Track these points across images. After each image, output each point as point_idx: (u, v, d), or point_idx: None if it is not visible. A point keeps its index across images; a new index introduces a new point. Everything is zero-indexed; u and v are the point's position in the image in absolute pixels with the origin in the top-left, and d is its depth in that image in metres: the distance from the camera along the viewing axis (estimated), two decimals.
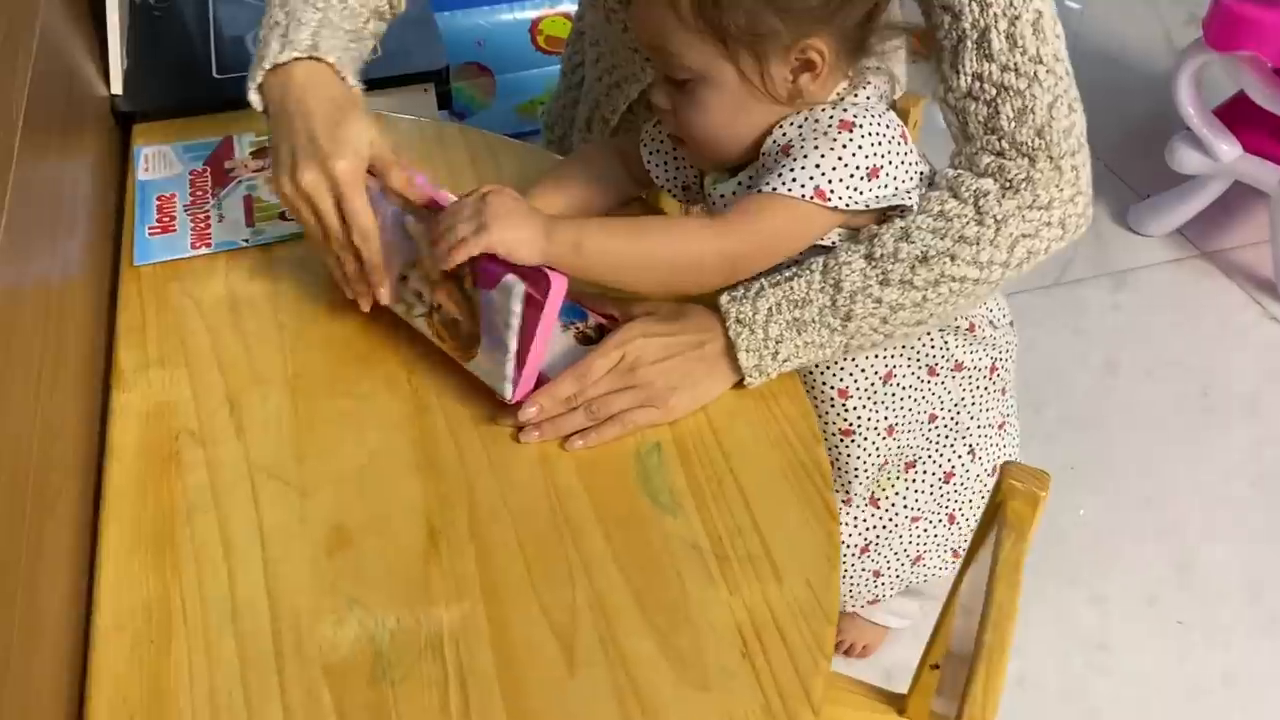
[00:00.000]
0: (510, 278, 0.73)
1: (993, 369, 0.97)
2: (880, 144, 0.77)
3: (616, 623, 0.66)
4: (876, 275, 0.79)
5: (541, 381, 0.77)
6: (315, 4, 0.85)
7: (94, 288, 0.88)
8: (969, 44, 0.80)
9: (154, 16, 1.25)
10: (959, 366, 0.94)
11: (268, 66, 0.82)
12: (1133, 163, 2.20)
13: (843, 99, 0.80)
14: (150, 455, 0.76)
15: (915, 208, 0.82)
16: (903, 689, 0.95)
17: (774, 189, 0.77)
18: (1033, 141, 0.80)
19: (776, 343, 0.79)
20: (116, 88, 1.10)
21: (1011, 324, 0.98)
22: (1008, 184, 0.81)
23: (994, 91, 0.80)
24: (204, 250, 0.93)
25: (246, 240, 0.94)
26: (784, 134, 0.79)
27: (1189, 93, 1.85)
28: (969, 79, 0.81)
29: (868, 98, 0.81)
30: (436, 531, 0.71)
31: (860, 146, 0.76)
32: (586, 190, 0.93)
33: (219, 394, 0.80)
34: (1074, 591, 1.49)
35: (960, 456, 1.00)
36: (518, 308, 0.73)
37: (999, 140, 0.81)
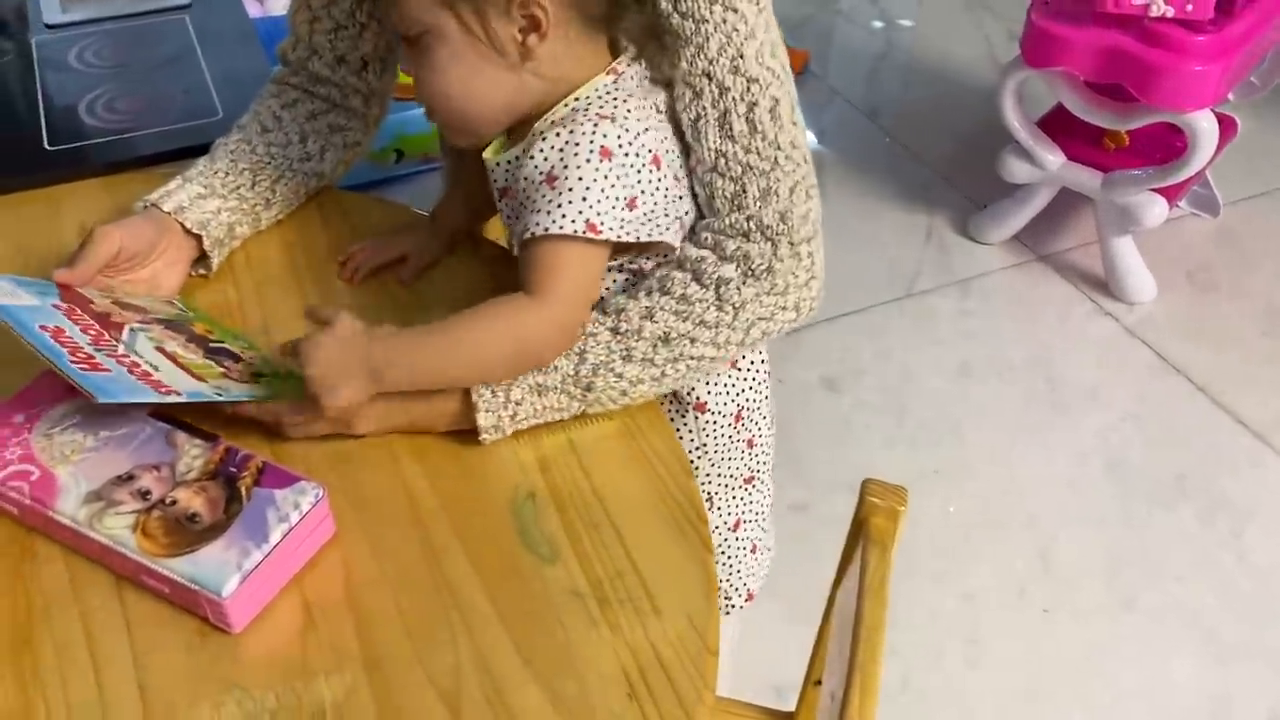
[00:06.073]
0: (307, 483, 0.72)
1: (738, 417, 0.94)
2: (637, 172, 0.77)
3: (502, 678, 0.66)
4: (620, 350, 0.80)
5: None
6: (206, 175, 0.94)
7: None
8: (710, 120, 0.81)
9: None
10: (701, 407, 0.93)
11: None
12: (970, 174, 2.31)
13: (601, 94, 0.79)
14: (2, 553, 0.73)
15: (658, 287, 0.81)
16: (792, 707, 0.97)
17: (545, 229, 0.76)
18: (777, 225, 0.81)
19: (517, 404, 0.79)
20: None
21: (768, 371, 0.94)
22: (749, 271, 0.81)
23: (739, 170, 0.81)
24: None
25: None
26: (545, 158, 0.77)
27: (1013, 107, 1.96)
28: (713, 154, 0.81)
29: (629, 96, 0.79)
30: (311, 604, 0.70)
31: (620, 176, 0.76)
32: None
33: None
34: (945, 589, 1.55)
35: None
36: (306, 506, 0.71)
37: (746, 220, 0.82)
